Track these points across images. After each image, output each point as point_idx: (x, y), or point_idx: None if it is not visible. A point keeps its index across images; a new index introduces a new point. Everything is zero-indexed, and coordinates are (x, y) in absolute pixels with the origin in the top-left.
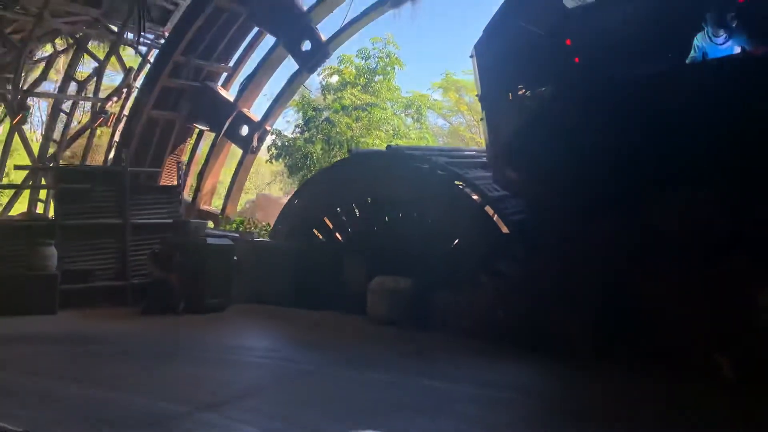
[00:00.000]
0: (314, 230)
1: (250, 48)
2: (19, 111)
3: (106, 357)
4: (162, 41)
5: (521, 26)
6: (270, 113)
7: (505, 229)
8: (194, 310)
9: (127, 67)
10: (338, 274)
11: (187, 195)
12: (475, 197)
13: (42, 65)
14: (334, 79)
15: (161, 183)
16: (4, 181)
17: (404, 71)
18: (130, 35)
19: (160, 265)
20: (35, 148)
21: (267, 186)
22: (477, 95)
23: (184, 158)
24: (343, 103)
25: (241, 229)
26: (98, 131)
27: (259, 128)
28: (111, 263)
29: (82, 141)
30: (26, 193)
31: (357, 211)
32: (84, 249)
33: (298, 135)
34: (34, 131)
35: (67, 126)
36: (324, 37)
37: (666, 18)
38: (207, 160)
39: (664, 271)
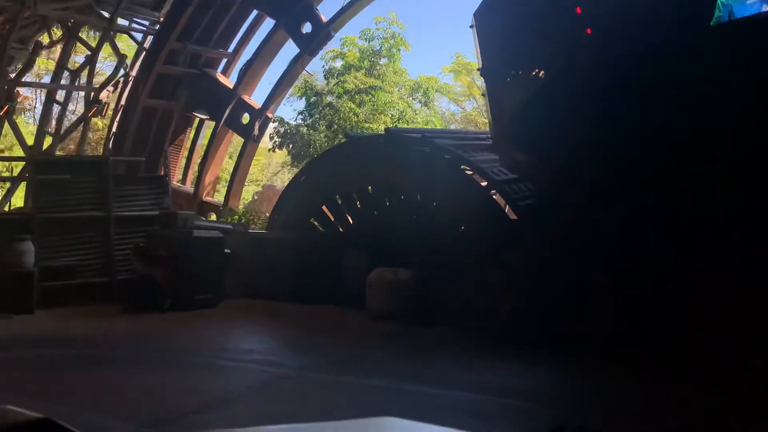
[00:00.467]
0: (312, 220)
1: (250, 32)
2: (6, 102)
3: (70, 363)
4: (158, 27)
5: None
6: (271, 100)
7: (513, 216)
8: (182, 307)
9: (123, 54)
10: (338, 266)
11: (189, 186)
12: (480, 182)
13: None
14: (338, 63)
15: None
16: (5, 174)
17: (413, 55)
18: (123, 22)
19: (144, 260)
20: (30, 141)
21: (274, 177)
22: (478, 69)
23: (185, 149)
24: (345, 87)
25: (243, 221)
26: (99, 123)
27: (260, 116)
28: (94, 259)
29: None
30: (22, 186)
31: (356, 199)
32: (65, 244)
33: (301, 122)
34: (31, 123)
35: (61, 117)
36: (325, 18)
37: None
38: (207, 150)
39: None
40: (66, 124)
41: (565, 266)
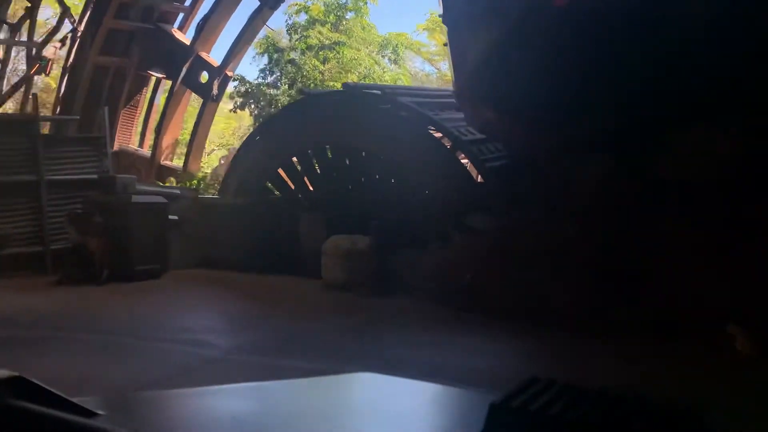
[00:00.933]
0: (267, 184)
1: None
2: None
3: None
4: None
5: None
6: (231, 57)
7: (481, 179)
8: (121, 278)
9: (66, 6)
10: (294, 233)
11: (146, 150)
12: (445, 142)
13: None
14: (302, 17)
15: (117, 138)
16: None
17: (387, 14)
18: None
19: (79, 227)
20: None
21: (241, 140)
22: (439, 16)
23: (142, 110)
24: (309, 43)
25: (202, 186)
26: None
27: (219, 74)
28: (25, 226)
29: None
30: None
31: (313, 161)
32: None
33: (263, 81)
34: None
35: (1, 75)
36: None
37: None
38: (164, 111)
39: (671, 226)
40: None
41: (535, 232)
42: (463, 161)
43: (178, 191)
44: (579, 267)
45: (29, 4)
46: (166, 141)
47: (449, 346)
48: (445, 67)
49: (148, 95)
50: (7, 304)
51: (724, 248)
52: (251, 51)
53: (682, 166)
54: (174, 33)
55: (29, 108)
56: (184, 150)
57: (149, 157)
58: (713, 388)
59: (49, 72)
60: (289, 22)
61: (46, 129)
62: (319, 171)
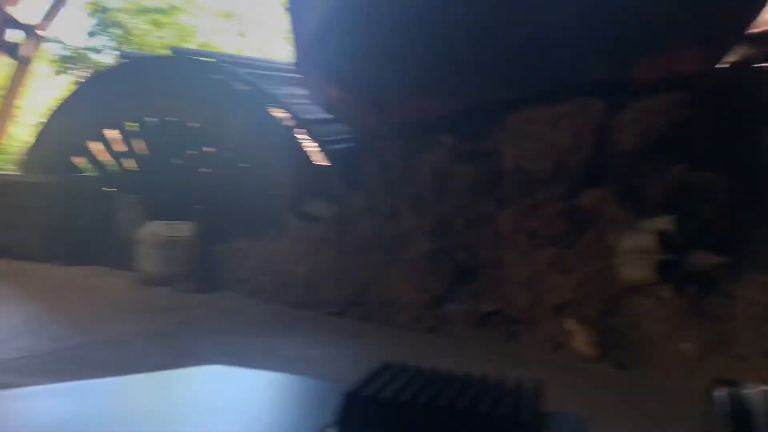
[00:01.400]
0: (77, 160)
1: None
2: None
3: None
4: None
5: None
6: (46, 16)
7: (323, 162)
8: None
9: None
10: (107, 218)
11: None
12: (285, 120)
13: None
14: None
15: None
16: None
17: None
18: None
19: None
20: None
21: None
22: None
23: None
24: (141, 5)
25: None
26: None
27: (30, 33)
28: None
29: None
30: None
31: (131, 135)
32: None
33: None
34: None
35: None
36: None
37: None
38: None
39: (511, 216)
40: None
41: (378, 220)
42: (305, 142)
43: None
44: (416, 258)
45: None
46: None
47: (272, 354)
48: None
49: None
50: None
51: (564, 240)
52: (84, 11)
53: (522, 154)
54: None
55: None
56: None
57: None
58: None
59: None
60: None
61: None
62: (137, 147)
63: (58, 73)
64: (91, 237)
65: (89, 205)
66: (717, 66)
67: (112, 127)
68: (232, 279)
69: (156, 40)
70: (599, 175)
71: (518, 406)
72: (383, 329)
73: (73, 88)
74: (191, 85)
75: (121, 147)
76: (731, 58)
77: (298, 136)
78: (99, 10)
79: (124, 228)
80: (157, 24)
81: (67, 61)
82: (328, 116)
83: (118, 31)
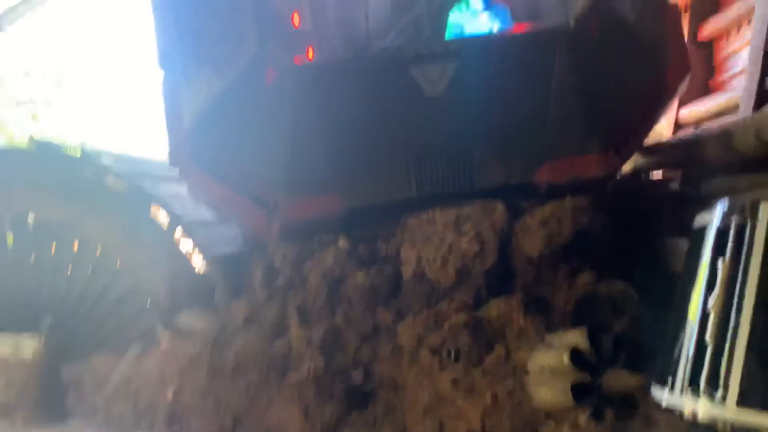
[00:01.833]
0: None
1: None
2: None
3: None
4: None
5: None
6: None
7: (204, 268)
8: None
9: None
10: None
11: None
12: (162, 220)
13: None
14: None
15: None
16: None
17: None
18: None
19: None
20: None
21: None
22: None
23: None
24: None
25: None
26: None
27: None
28: None
29: None
30: None
31: None
32: None
33: None
34: None
35: None
36: None
37: None
38: None
39: (411, 331)
40: None
41: (262, 334)
42: (184, 245)
43: None
44: (303, 380)
45: None
46: None
47: None
48: None
49: None
50: None
51: (470, 357)
52: None
53: (422, 258)
54: None
55: None
56: None
57: None
58: None
59: None
60: None
61: None
62: None
63: None
64: None
65: None
66: (617, 173)
67: None
68: (86, 405)
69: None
70: (505, 283)
71: None
72: None
73: None
74: (55, 180)
75: None
76: (628, 166)
77: (176, 238)
78: None
79: None
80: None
81: None
82: (212, 217)
83: None
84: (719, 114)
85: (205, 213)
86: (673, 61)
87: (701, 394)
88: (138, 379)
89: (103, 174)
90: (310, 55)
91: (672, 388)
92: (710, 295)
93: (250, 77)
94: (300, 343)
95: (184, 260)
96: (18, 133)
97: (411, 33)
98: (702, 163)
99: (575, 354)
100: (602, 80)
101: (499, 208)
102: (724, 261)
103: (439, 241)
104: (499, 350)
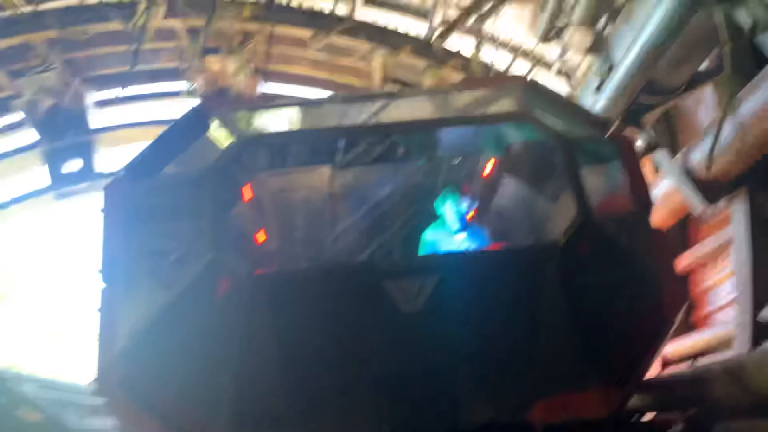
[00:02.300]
0: None
1: None
2: None
3: None
4: None
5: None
6: None
7: None
8: None
9: None
10: None
11: None
12: None
13: None
14: None
15: None
16: None
17: None
18: None
19: None
20: None
21: None
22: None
23: None
24: None
25: None
26: None
27: None
28: None
29: None
30: None
31: None
32: None
33: None
34: None
35: None
36: None
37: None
38: None
39: None
40: None
41: None
42: None
43: None
44: None
45: None
46: None
47: None
48: None
49: None
50: None
51: None
52: None
53: None
54: None
55: None
56: None
57: None
58: None
59: None
60: None
61: None
62: None
63: None
64: None
65: None
66: (618, 412)
67: None
68: None
69: None
70: None
71: None
72: None
73: None
74: None
75: None
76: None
77: None
78: None
79: None
80: None
81: None
82: None
83: None
84: (709, 350)
85: None
86: (668, 290)
87: None
88: None
89: (17, 403)
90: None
91: None
92: None
93: (200, 289)
94: None
95: None
96: None
97: (382, 254)
98: (711, 403)
99: None
100: (597, 306)
101: None
102: None
103: None
104: None
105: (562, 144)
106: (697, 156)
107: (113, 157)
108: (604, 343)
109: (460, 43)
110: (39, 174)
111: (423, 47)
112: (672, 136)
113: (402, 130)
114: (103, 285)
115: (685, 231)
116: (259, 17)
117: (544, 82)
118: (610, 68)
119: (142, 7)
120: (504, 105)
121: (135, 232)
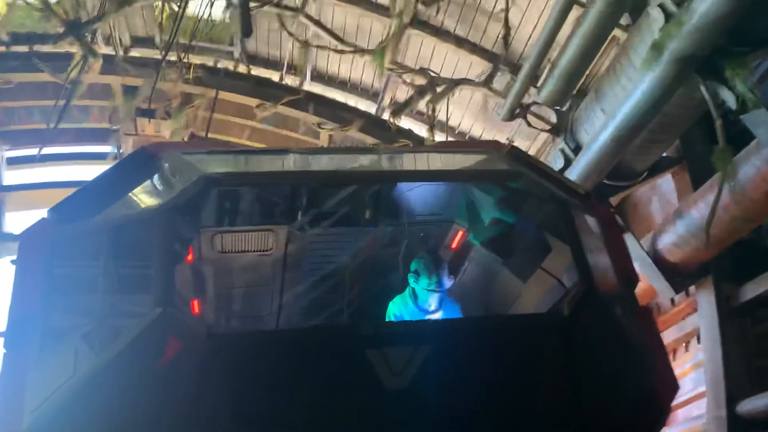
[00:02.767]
0: None
1: None
2: None
3: None
4: None
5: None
6: None
7: None
8: None
9: None
10: None
11: None
12: None
13: None
14: None
15: None
16: None
17: None
18: None
19: None
20: None
21: None
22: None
23: None
24: None
25: None
26: None
27: None
28: None
29: None
30: None
31: None
32: None
33: None
34: None
35: None
36: None
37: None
38: None
39: None
40: None
41: None
42: None
43: None
44: None
45: None
46: None
47: None
48: None
49: None
50: None
51: None
52: None
53: None
54: None
55: None
56: None
57: None
58: None
59: None
60: None
61: None
62: None
63: None
64: None
65: None
66: None
67: None
68: None
69: None
70: None
71: None
72: None
73: None
74: None
75: None
76: None
77: None
78: None
79: None
80: None
81: None
82: None
83: None
84: None
85: None
86: (661, 375)
87: None
88: None
89: None
90: None
91: None
92: None
93: (140, 351)
94: None
95: None
96: None
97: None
98: None
99: None
100: (595, 384)
101: None
102: None
103: None
104: None
105: (561, 205)
106: (665, 241)
107: (22, 219)
108: (605, 421)
109: (409, 122)
110: None
111: (372, 124)
112: (625, 224)
113: (387, 180)
114: (5, 350)
115: None
116: (204, 81)
117: None
118: (577, 149)
119: (77, 58)
120: (492, 166)
121: (55, 285)
